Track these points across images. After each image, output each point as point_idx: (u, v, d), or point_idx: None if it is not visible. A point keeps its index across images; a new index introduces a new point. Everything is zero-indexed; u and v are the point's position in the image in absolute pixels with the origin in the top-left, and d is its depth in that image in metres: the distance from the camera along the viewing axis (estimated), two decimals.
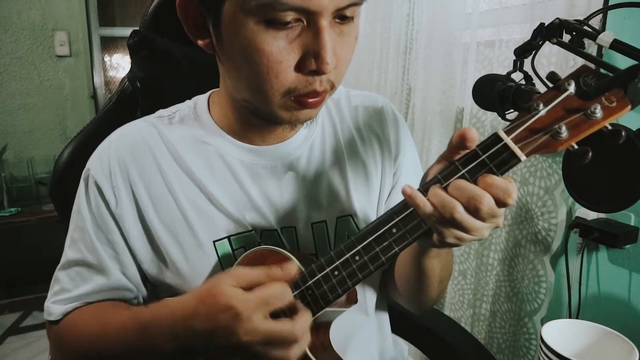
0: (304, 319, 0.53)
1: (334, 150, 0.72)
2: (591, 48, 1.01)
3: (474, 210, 0.46)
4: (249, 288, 0.51)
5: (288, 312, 0.54)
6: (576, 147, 0.45)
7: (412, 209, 0.51)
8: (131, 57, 0.91)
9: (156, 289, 0.71)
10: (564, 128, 0.44)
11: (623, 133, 0.43)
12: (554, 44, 0.68)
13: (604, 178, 0.59)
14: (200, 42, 0.60)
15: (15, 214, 2.26)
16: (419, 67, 1.51)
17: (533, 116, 0.46)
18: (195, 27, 0.59)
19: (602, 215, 1.08)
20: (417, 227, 0.51)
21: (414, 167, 0.77)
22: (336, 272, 0.56)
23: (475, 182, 0.47)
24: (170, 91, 0.82)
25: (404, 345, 0.87)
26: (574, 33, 0.67)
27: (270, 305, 0.50)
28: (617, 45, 0.63)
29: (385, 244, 0.53)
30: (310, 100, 0.56)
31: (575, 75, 0.46)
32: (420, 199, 0.48)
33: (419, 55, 1.51)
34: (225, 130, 0.68)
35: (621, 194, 0.58)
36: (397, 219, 0.52)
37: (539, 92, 0.59)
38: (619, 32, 0.85)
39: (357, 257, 0.54)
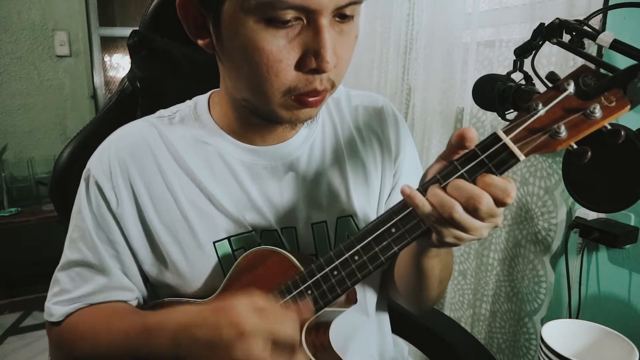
0: None
1: (334, 151, 0.72)
2: (591, 48, 1.01)
3: (472, 209, 0.46)
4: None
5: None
6: (575, 146, 0.45)
7: (411, 208, 0.51)
8: (131, 57, 0.91)
9: (156, 289, 0.71)
10: (563, 128, 0.44)
11: (622, 133, 0.43)
12: (554, 44, 0.68)
13: (603, 178, 0.59)
14: (200, 42, 0.60)
15: (15, 214, 2.26)
16: (419, 67, 1.51)
17: (532, 116, 0.46)
18: (195, 26, 0.59)
19: (602, 215, 1.08)
20: (416, 227, 0.51)
21: (414, 167, 0.77)
22: (335, 272, 0.56)
23: (474, 182, 0.47)
24: (170, 91, 0.82)
25: (404, 346, 0.87)
26: (574, 33, 0.67)
27: (275, 338, 0.50)
28: (617, 45, 0.63)
29: (384, 243, 0.53)
30: (311, 99, 0.56)
31: (574, 75, 0.46)
32: (419, 198, 0.48)
33: (419, 55, 1.51)
34: (225, 130, 0.68)
35: (621, 194, 0.58)
36: (396, 219, 0.52)
37: (539, 92, 0.59)
38: (619, 32, 0.85)
39: (356, 257, 0.54)
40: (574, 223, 1.11)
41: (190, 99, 0.73)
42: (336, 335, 0.65)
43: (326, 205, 0.70)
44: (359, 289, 0.71)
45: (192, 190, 0.66)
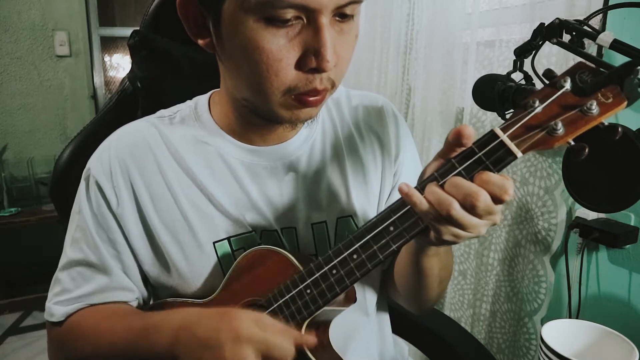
0: None
1: (334, 151, 0.72)
2: (591, 48, 1.01)
3: (470, 207, 0.46)
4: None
5: None
6: (573, 143, 0.45)
7: (409, 206, 0.51)
8: (131, 57, 0.91)
9: (156, 289, 0.71)
10: (560, 124, 0.44)
11: (620, 129, 0.43)
12: (554, 44, 0.68)
13: (603, 178, 0.59)
14: (200, 42, 0.60)
15: (15, 214, 2.26)
16: (419, 67, 1.51)
17: (529, 113, 0.46)
18: (196, 26, 0.59)
19: (602, 215, 1.08)
20: (414, 225, 0.51)
21: (414, 167, 0.77)
22: (334, 271, 0.56)
23: (471, 180, 0.47)
24: (171, 91, 0.82)
25: (404, 346, 0.87)
26: (574, 33, 0.67)
27: (269, 350, 0.52)
28: (617, 45, 0.63)
29: (382, 242, 0.53)
30: (311, 98, 0.56)
31: (571, 72, 0.46)
32: (417, 196, 0.48)
33: (419, 55, 1.51)
34: (225, 130, 0.68)
35: (621, 194, 0.58)
36: (394, 217, 0.52)
37: None
38: (619, 32, 0.84)
39: (355, 256, 0.54)
40: (574, 223, 1.11)
41: (190, 99, 0.73)
42: (336, 335, 0.65)
43: (326, 205, 0.70)
44: (359, 289, 0.71)
45: (192, 190, 0.66)
